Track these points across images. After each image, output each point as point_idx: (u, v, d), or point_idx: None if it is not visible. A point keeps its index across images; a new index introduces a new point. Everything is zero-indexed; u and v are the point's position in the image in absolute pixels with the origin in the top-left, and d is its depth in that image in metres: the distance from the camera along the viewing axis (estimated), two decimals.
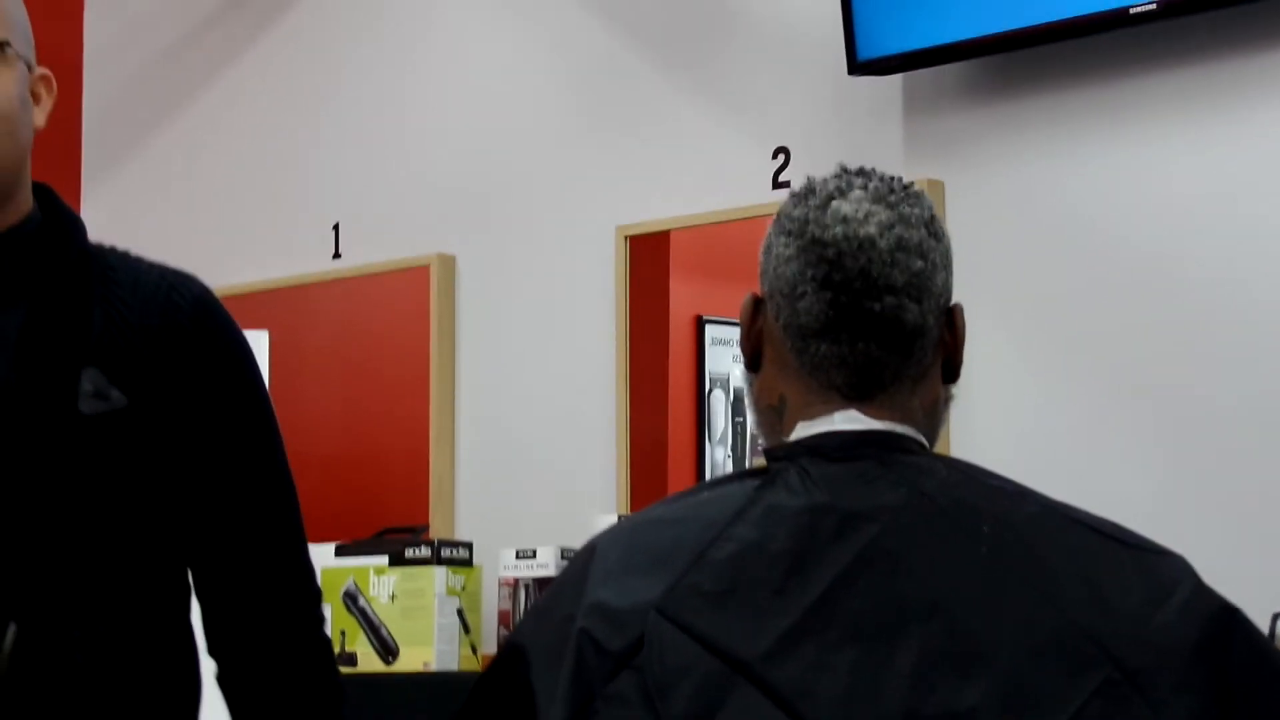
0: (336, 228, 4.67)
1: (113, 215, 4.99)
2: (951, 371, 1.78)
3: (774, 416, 1.77)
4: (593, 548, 1.75)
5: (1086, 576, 1.63)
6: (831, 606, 1.61)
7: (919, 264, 1.72)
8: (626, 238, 4.14)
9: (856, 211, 1.73)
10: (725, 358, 4.26)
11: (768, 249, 1.77)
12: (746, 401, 1.82)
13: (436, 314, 4.44)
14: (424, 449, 4.40)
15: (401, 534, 4.25)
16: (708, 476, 4.19)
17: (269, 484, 2.13)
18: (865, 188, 1.75)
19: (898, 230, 1.72)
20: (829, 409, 1.72)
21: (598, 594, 1.67)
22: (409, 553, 4.06)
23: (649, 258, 4.18)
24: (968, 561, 1.63)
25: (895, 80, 3.75)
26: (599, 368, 4.16)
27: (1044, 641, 1.58)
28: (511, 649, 1.73)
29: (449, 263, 4.46)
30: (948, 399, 1.79)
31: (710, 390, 4.24)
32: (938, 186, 3.69)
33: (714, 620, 1.62)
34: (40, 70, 2.11)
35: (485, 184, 4.41)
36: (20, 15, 2.09)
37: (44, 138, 2.14)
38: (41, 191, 2.12)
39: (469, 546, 4.08)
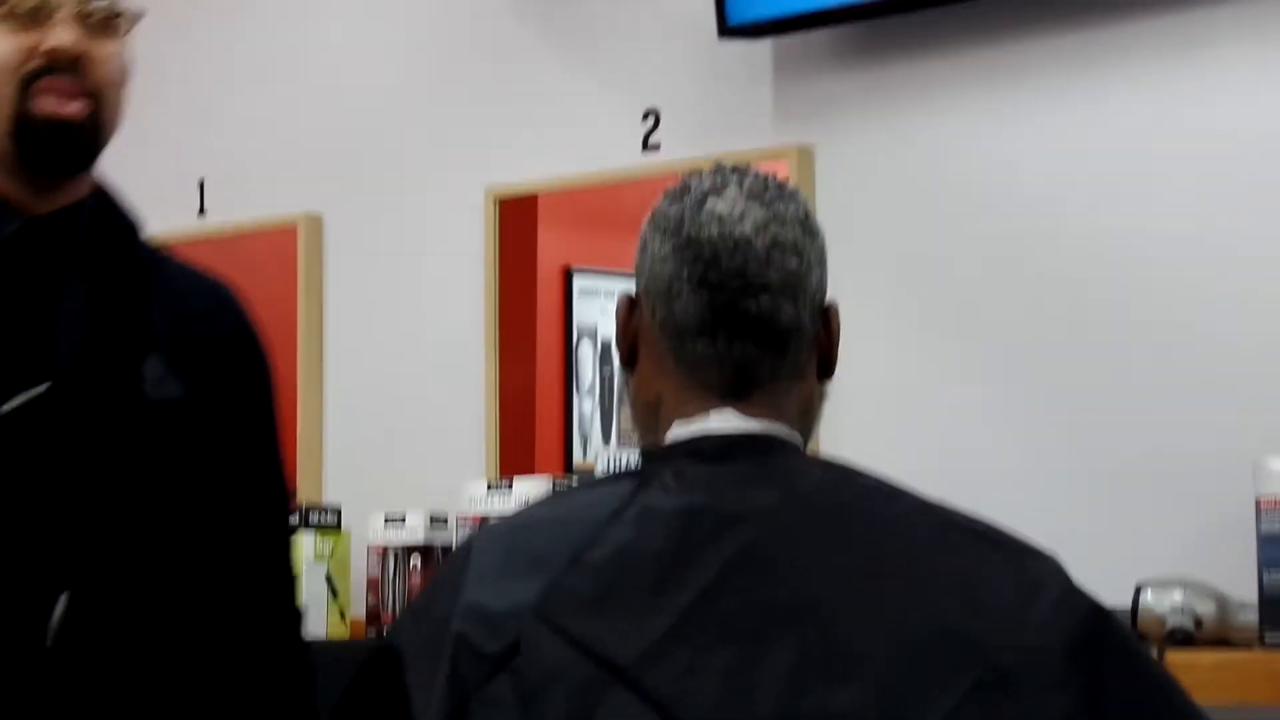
0: (202, 184, 4.61)
1: None
2: (827, 368, 1.79)
3: (650, 415, 1.76)
4: (469, 548, 1.74)
5: (959, 577, 1.64)
6: (706, 609, 1.61)
7: (794, 262, 1.72)
8: (497, 200, 4.12)
9: (732, 210, 1.72)
10: (593, 309, 4.25)
11: (643, 247, 1.76)
12: (623, 397, 1.82)
13: (304, 275, 4.40)
14: (291, 412, 4.36)
15: None
16: (575, 429, 4.19)
17: (276, 497, 2.22)
18: (740, 185, 1.75)
19: (773, 229, 1.72)
20: (705, 407, 1.72)
21: (474, 596, 1.66)
22: None
23: (517, 214, 4.16)
24: (842, 563, 1.63)
25: (765, 44, 3.74)
26: (467, 327, 4.14)
27: (918, 643, 1.59)
28: (386, 650, 1.72)
29: (316, 222, 4.42)
30: (823, 395, 1.80)
31: (578, 341, 4.23)
32: (807, 151, 3.69)
33: (589, 623, 1.62)
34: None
35: (354, 143, 4.37)
36: None
37: None
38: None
39: (338, 511, 4.05)
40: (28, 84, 2.02)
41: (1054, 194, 3.45)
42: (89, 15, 2.04)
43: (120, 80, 2.08)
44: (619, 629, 1.61)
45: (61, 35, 2.02)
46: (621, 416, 4.22)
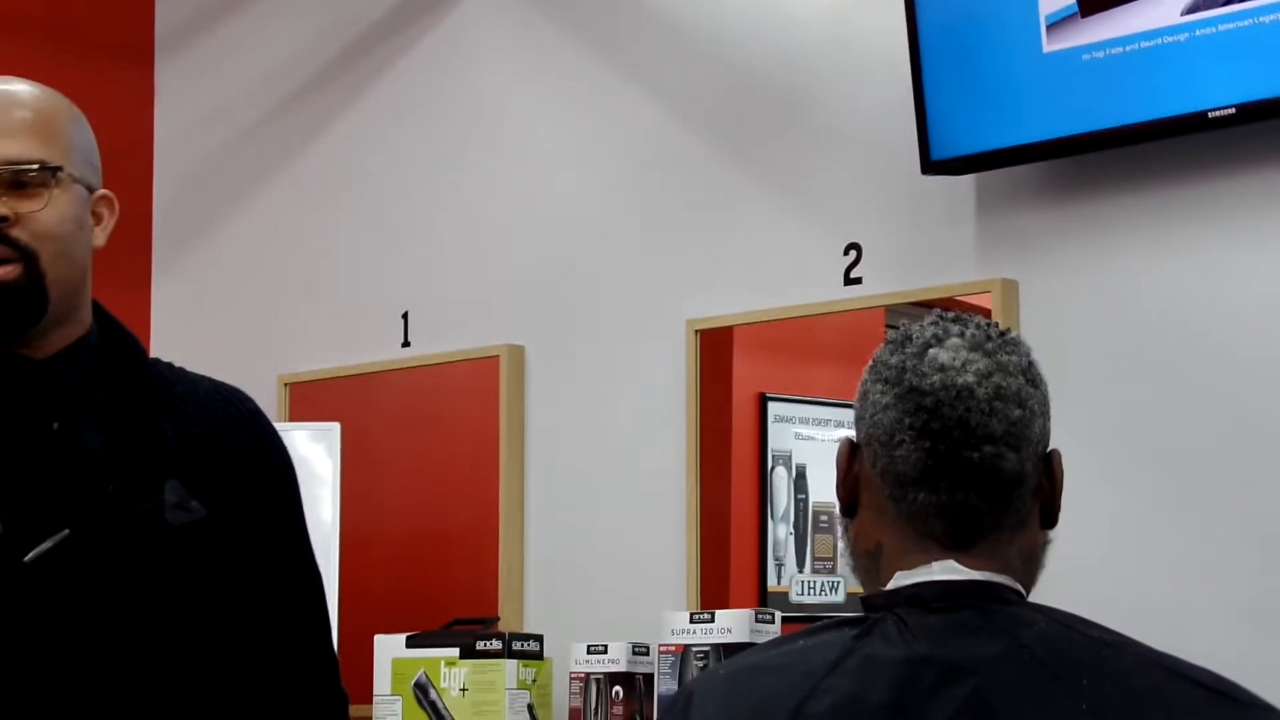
0: (406, 316, 4.69)
1: (184, 304, 5.03)
2: (1050, 517, 1.78)
3: (870, 563, 1.76)
4: (690, 694, 1.74)
5: None
6: None
7: (1017, 412, 1.72)
8: (697, 332, 4.15)
9: (954, 360, 1.72)
10: (787, 435, 4.25)
11: (864, 395, 1.77)
12: (841, 546, 1.82)
13: (506, 404, 4.45)
14: (493, 539, 4.41)
15: (471, 625, 4.25)
16: (770, 555, 4.19)
17: (312, 592, 2.27)
18: (962, 335, 1.75)
19: (996, 379, 1.72)
20: (927, 558, 1.72)
21: None
22: (480, 645, 4.07)
23: (715, 343, 4.19)
24: (1067, 716, 1.62)
25: (968, 180, 3.75)
26: (667, 456, 4.16)
27: None
28: None
29: (518, 353, 4.47)
30: (1045, 544, 1.79)
31: (772, 468, 4.24)
32: (1011, 287, 3.68)
33: None
34: (102, 191, 2.18)
35: (557, 275, 4.43)
36: (81, 139, 2.16)
37: (116, 228, 2.20)
38: (94, 307, 2.19)
39: (540, 639, 4.08)
40: None
41: (1264, 331, 3.40)
42: (10, 178, 2.07)
43: (55, 232, 2.09)
44: None
45: None
46: (815, 543, 4.21)
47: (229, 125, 5.17)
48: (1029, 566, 1.76)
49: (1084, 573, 3.41)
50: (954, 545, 1.72)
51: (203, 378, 2.26)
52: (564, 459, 4.38)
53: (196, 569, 2.10)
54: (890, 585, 1.73)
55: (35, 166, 2.08)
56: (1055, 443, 1.79)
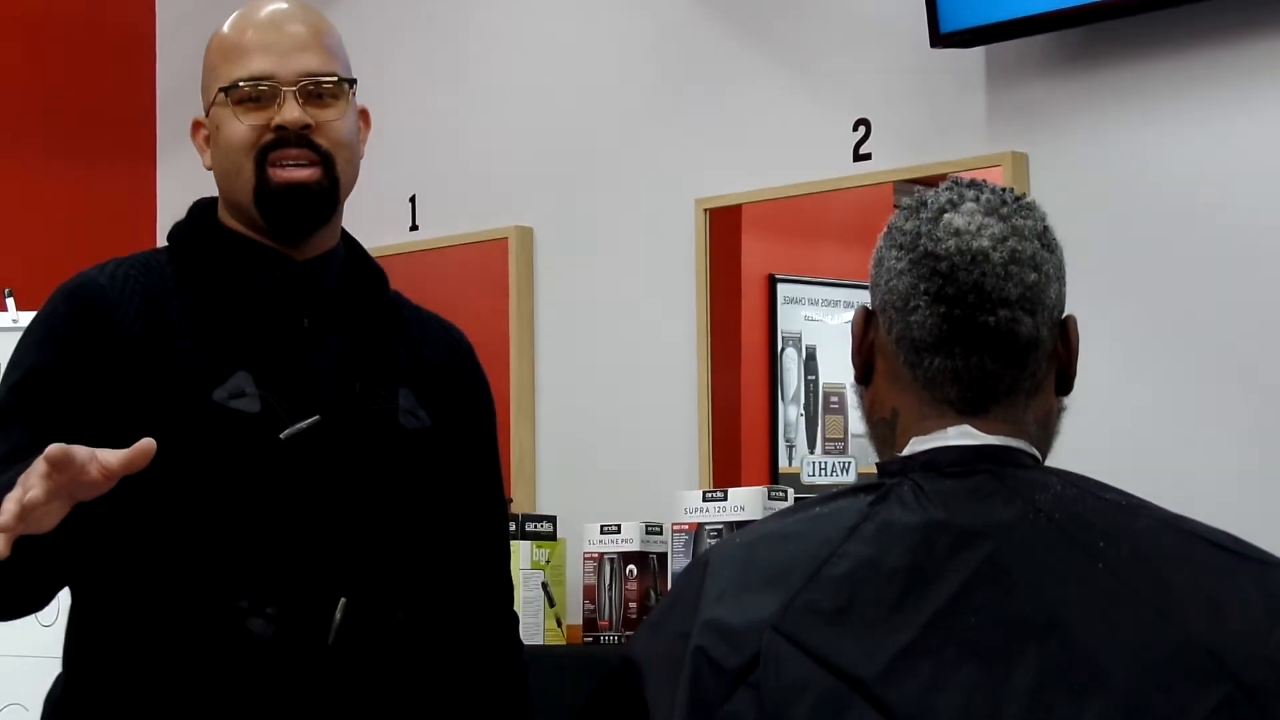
0: (413, 200, 4.68)
1: (187, 191, 5.00)
2: (1065, 383, 1.78)
3: (886, 430, 1.76)
4: (706, 562, 1.75)
5: (1204, 591, 1.62)
6: (948, 624, 1.61)
7: (1033, 276, 1.72)
8: (706, 211, 4.13)
9: (969, 224, 1.72)
10: (797, 316, 4.25)
11: (879, 262, 1.76)
12: (858, 414, 1.82)
13: (515, 287, 4.45)
14: (505, 422, 4.40)
15: None
16: (780, 437, 4.20)
17: (502, 512, 2.48)
18: (977, 200, 1.74)
19: (1011, 243, 1.72)
20: (942, 423, 1.72)
21: (713, 611, 1.67)
22: None
23: (724, 223, 4.18)
24: (1084, 578, 1.63)
25: (977, 52, 3.73)
26: (677, 337, 4.16)
27: (1162, 658, 1.58)
28: (626, 664, 1.74)
29: (527, 235, 4.46)
30: (1060, 410, 1.79)
31: (783, 349, 4.24)
32: (1021, 159, 3.67)
33: (830, 638, 1.62)
34: (359, 105, 2.39)
35: (564, 157, 4.41)
36: (346, 56, 2.38)
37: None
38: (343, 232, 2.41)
39: (553, 520, 4.10)
40: (263, 157, 2.26)
41: (1275, 196, 3.39)
42: (310, 89, 2.28)
43: (348, 140, 2.32)
44: (860, 644, 1.61)
45: (287, 112, 2.26)
46: (826, 424, 4.22)
47: (232, 8, 5.12)
48: (1044, 431, 1.76)
49: (1099, 439, 3.42)
50: (969, 410, 1.72)
51: (429, 312, 2.46)
52: (574, 341, 4.38)
53: (420, 470, 2.30)
54: (906, 451, 1.73)
55: (334, 78, 2.30)
56: (1071, 313, 1.79)
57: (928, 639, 1.60)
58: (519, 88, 4.51)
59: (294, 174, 2.26)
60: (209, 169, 2.34)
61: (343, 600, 2.20)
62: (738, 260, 4.24)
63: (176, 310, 2.23)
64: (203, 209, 2.37)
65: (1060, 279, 1.75)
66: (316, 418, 2.20)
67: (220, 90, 2.28)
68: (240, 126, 2.26)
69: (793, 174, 4.00)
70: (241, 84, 2.27)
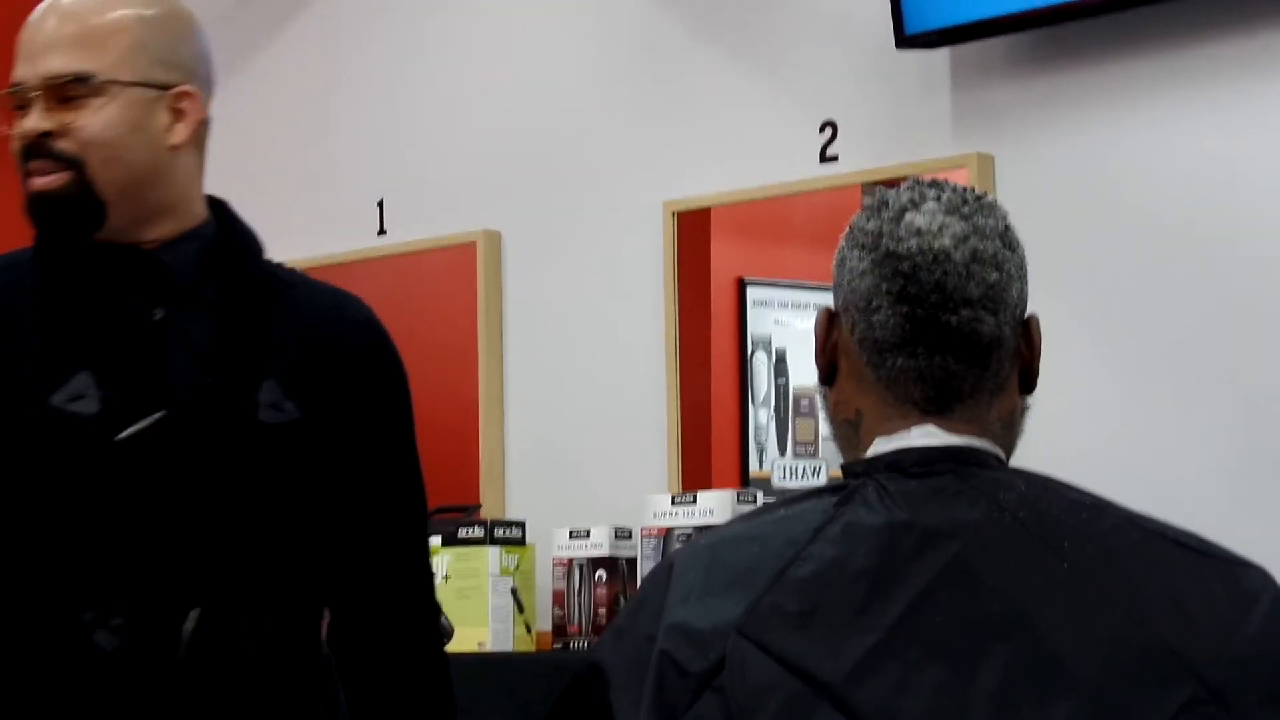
0: (381, 204, 4.67)
1: None
2: (1028, 382, 1.78)
3: (850, 430, 1.76)
4: (670, 565, 1.74)
5: (1169, 591, 1.62)
6: (913, 625, 1.60)
7: (994, 275, 1.71)
8: (674, 213, 4.13)
9: (931, 224, 1.71)
10: (766, 319, 4.25)
11: (841, 262, 1.76)
12: (822, 415, 1.81)
13: (484, 291, 4.44)
14: (473, 427, 4.40)
15: (453, 513, 4.25)
16: (751, 440, 4.20)
17: (410, 503, 2.33)
18: (939, 199, 1.74)
19: (972, 242, 1.71)
20: (906, 423, 1.72)
21: (678, 614, 1.67)
22: (462, 533, 4.07)
23: (692, 227, 4.17)
24: (1049, 577, 1.62)
25: (943, 53, 3.73)
26: (646, 340, 4.16)
27: (1128, 658, 1.58)
28: (591, 669, 1.73)
29: (495, 239, 4.45)
30: (1024, 410, 1.79)
31: (753, 353, 4.24)
32: (987, 160, 3.67)
33: (796, 640, 1.61)
34: (183, 88, 2.22)
35: (529, 159, 4.40)
36: (150, 38, 2.21)
37: None
38: (216, 204, 2.28)
39: (522, 525, 4.08)
40: (21, 165, 2.18)
41: (1238, 197, 3.40)
42: (55, 91, 2.16)
43: (103, 138, 2.17)
44: (825, 646, 1.60)
45: (25, 122, 2.17)
46: (797, 427, 4.22)
47: (197, 9, 5.10)
48: (1008, 431, 1.76)
49: (1063, 440, 3.42)
50: (933, 410, 1.72)
51: (320, 283, 2.33)
52: (543, 345, 4.37)
53: (286, 467, 2.17)
54: (870, 452, 1.73)
55: (70, 79, 2.15)
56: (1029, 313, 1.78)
57: (893, 641, 1.60)
58: (485, 91, 4.50)
59: (36, 183, 2.17)
60: None
61: (194, 610, 2.10)
62: (707, 263, 4.23)
63: (27, 310, 2.16)
64: None
65: (1022, 278, 1.75)
66: (158, 415, 2.10)
67: None
68: (12, 134, 2.19)
69: (760, 176, 3.99)
70: (7, 93, 2.19)
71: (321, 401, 2.20)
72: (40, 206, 2.17)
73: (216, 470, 2.13)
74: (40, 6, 2.21)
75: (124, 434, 2.09)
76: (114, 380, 2.12)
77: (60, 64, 2.16)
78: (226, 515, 2.13)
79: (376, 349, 2.29)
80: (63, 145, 2.15)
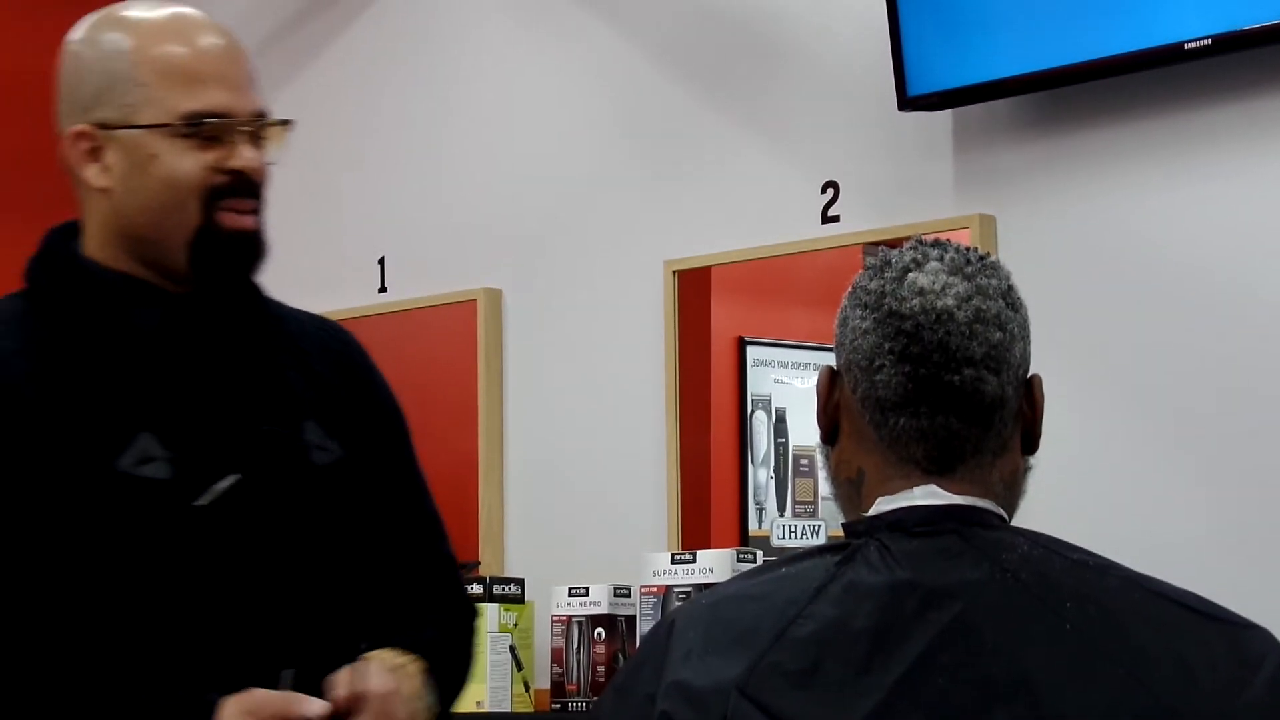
0: (382, 262, 4.67)
1: None
2: (1031, 443, 1.77)
3: (852, 490, 1.76)
4: (671, 624, 1.73)
5: (1172, 653, 1.61)
6: (915, 686, 1.59)
7: (997, 335, 1.71)
8: (675, 272, 4.13)
9: (934, 283, 1.71)
10: (766, 379, 4.25)
11: (844, 321, 1.76)
12: (822, 475, 1.81)
13: (484, 348, 4.44)
14: (473, 483, 4.40)
15: None
16: (750, 499, 4.19)
17: (422, 487, 2.28)
18: (941, 259, 1.74)
19: (975, 302, 1.71)
20: (909, 483, 1.71)
21: (678, 673, 1.66)
22: None
23: (693, 285, 4.18)
24: (1052, 639, 1.62)
25: (945, 116, 3.74)
26: (646, 399, 4.16)
27: None
28: None
29: (495, 297, 4.46)
30: (1027, 470, 1.78)
31: (752, 412, 4.23)
32: (989, 221, 3.68)
33: (796, 700, 1.61)
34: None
35: (531, 218, 4.41)
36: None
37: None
38: None
39: (520, 583, 4.08)
40: (213, 200, 2.09)
41: (1242, 263, 3.40)
42: (262, 132, 2.12)
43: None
44: (826, 706, 1.60)
45: (245, 155, 2.10)
46: (796, 487, 4.21)
47: None
48: (1010, 491, 1.76)
49: (1063, 502, 3.42)
50: (935, 470, 1.71)
51: (298, 310, 2.27)
52: (543, 403, 4.37)
53: (339, 507, 2.13)
54: (872, 511, 1.72)
55: (278, 121, 2.15)
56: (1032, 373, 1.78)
57: (895, 701, 1.59)
58: (488, 150, 4.51)
59: (244, 221, 2.10)
60: (101, 189, 2.09)
61: (288, 672, 2.01)
62: (707, 322, 4.24)
63: (26, 367, 2.03)
64: (61, 240, 2.14)
65: (1025, 338, 1.75)
66: (237, 476, 2.03)
67: (166, 120, 2.07)
68: (188, 163, 2.07)
69: (761, 236, 4.00)
70: (205, 120, 2.06)
71: (353, 434, 2.16)
72: (244, 245, 2.11)
73: (288, 522, 2.08)
74: (204, 30, 2.13)
75: (204, 499, 2.02)
76: (176, 439, 2.03)
77: (260, 101, 2.13)
78: (304, 567, 2.08)
79: (373, 370, 2.27)
80: (262, 186, 2.13)
